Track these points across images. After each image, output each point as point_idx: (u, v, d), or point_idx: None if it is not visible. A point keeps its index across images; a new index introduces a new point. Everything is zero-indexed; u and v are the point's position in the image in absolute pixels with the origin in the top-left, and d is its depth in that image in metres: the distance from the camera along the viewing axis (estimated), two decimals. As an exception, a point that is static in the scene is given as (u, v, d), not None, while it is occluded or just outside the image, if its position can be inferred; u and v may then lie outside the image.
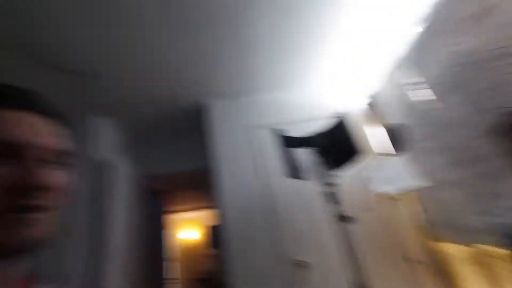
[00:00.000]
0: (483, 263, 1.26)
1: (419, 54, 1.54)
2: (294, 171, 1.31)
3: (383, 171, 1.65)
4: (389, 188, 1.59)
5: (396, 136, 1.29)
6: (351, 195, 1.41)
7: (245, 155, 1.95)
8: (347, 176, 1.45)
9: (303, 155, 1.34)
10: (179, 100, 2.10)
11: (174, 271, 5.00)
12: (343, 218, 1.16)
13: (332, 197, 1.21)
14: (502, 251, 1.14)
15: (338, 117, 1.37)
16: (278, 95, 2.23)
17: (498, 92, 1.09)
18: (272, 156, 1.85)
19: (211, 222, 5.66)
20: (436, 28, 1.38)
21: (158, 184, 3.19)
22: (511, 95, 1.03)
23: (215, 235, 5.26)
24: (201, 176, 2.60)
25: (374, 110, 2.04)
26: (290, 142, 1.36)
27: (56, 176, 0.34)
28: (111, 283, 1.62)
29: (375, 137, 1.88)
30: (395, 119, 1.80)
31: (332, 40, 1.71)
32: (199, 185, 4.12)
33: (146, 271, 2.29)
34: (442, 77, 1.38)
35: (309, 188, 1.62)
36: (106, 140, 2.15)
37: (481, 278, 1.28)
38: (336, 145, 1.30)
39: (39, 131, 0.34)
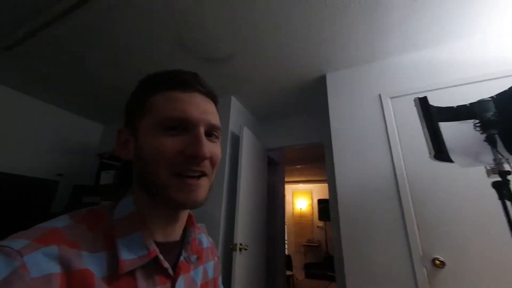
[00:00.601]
0: None
1: None
2: (441, 151, 0.95)
3: None
4: None
5: None
6: None
7: (369, 128, 1.74)
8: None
9: (459, 129, 0.99)
10: (302, 73, 2.07)
11: (287, 234, 5.57)
12: None
13: (505, 191, 0.83)
14: None
15: None
16: (420, 54, 1.77)
17: None
18: (411, 130, 1.59)
19: (322, 195, 5.95)
20: None
21: (278, 156, 3.49)
22: None
23: (324, 208, 5.43)
24: (319, 150, 2.63)
25: None
26: (441, 113, 1.03)
27: (215, 148, 0.40)
28: (239, 229, 1.95)
29: None
30: None
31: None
32: (316, 159, 4.19)
33: (267, 230, 2.65)
34: None
35: (465, 174, 1.30)
36: (236, 116, 2.48)
37: None
38: None
39: (205, 110, 0.40)
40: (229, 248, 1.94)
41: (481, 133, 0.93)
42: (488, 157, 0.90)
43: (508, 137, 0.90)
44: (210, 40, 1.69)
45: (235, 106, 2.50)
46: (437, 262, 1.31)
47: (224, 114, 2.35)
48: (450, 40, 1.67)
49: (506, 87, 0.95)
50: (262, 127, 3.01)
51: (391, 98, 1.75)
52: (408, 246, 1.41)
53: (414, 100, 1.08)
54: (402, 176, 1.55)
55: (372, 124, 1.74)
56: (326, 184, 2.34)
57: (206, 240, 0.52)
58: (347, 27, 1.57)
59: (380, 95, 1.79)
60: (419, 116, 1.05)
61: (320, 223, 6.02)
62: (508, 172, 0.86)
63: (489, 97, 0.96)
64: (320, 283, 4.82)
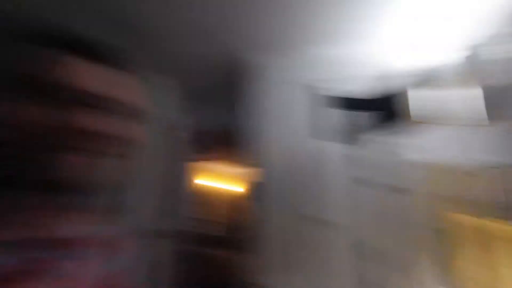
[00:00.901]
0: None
1: None
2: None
3: (464, 140, 1.31)
4: (464, 160, 1.28)
5: (494, 101, 0.93)
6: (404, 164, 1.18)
7: (284, 113, 1.74)
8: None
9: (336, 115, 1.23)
10: (222, 57, 1.88)
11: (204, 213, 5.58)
12: (398, 190, 1.08)
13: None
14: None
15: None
16: (326, 50, 1.72)
17: None
18: (315, 114, 1.63)
19: (247, 177, 5.32)
20: None
21: (200, 138, 3.23)
22: None
23: (251, 189, 4.89)
24: (238, 133, 2.27)
25: (469, 67, 1.53)
26: (335, 100, 1.23)
27: (109, 124, 0.35)
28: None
29: (465, 101, 1.48)
30: (495, 80, 1.42)
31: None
32: (236, 141, 3.98)
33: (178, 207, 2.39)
34: None
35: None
36: (158, 96, 2.25)
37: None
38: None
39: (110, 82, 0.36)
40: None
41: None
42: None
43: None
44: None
45: (160, 86, 2.24)
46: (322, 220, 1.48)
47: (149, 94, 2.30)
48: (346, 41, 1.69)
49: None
50: (188, 108, 2.69)
51: (304, 85, 1.73)
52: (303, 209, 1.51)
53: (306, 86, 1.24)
54: (300, 153, 1.63)
55: (282, 109, 1.75)
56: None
57: None
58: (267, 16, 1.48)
59: (294, 82, 1.76)
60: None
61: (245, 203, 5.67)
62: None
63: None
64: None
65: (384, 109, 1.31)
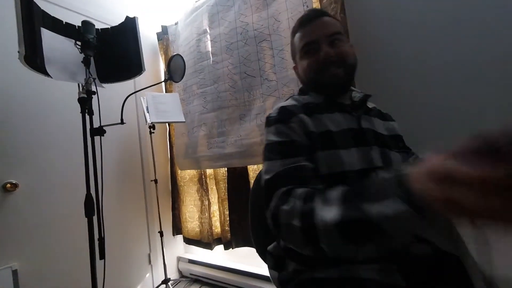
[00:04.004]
0: (201, 180, 1.82)
1: (216, 5, 1.60)
2: (36, 55, 0.90)
3: (154, 102, 1.59)
4: (153, 118, 1.55)
5: (173, 65, 1.14)
6: (108, 108, 1.12)
7: None
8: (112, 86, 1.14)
9: (62, 44, 0.98)
10: None
11: None
12: (94, 130, 1.00)
13: (88, 105, 0.99)
14: (212, 171, 1.75)
15: (126, 20, 1.12)
16: None
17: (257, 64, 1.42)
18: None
19: None
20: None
21: None
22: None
23: None
24: None
25: (163, 42, 2.02)
26: (47, 19, 0.98)
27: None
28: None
29: (158, 63, 2.07)
30: (178, 54, 1.68)
31: None
32: None
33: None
34: (223, 38, 1.56)
35: (51, 92, 1.36)
36: None
37: (197, 188, 1.84)
38: (113, 52, 1.10)
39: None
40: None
41: (80, 53, 1.02)
42: (82, 77, 1.01)
43: (100, 66, 1.08)
44: None
45: None
46: (9, 185, 1.23)
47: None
48: None
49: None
50: None
51: None
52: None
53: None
54: None
55: None
56: None
57: None
58: None
59: None
60: (17, 9, 0.88)
61: None
62: (93, 92, 1.00)
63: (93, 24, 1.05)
64: None
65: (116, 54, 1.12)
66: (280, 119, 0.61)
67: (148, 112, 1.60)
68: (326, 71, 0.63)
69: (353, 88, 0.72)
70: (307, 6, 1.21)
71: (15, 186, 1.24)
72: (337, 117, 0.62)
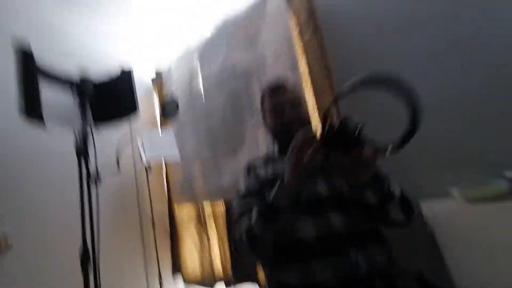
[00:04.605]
0: (199, 218, 1.78)
1: (206, 50, 1.76)
2: (35, 108, 0.94)
3: (150, 138, 1.67)
4: (149, 155, 1.61)
5: (168, 110, 1.29)
6: (105, 154, 1.16)
7: None
8: (107, 133, 1.20)
9: (56, 95, 1.03)
10: None
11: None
12: (90, 178, 1.01)
13: (84, 152, 1.00)
14: (210, 207, 1.71)
15: (122, 74, 1.19)
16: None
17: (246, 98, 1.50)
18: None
19: None
20: (220, 40, 1.66)
21: None
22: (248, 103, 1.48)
23: None
24: None
25: (159, 81, 2.13)
26: (46, 75, 1.03)
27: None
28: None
29: (153, 106, 2.16)
30: (172, 95, 1.89)
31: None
32: None
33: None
34: (213, 77, 1.66)
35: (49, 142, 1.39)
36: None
37: (195, 226, 1.79)
38: (109, 99, 1.15)
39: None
40: None
41: (78, 101, 1.06)
42: (78, 122, 1.03)
43: (96, 110, 1.10)
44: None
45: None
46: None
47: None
48: (75, 10, 1.74)
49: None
50: None
51: None
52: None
53: (15, 47, 0.96)
54: None
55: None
56: None
57: None
58: None
59: None
60: (18, 66, 0.95)
61: None
62: (89, 138, 1.02)
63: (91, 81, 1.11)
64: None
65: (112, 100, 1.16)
66: (245, 172, 0.89)
67: (144, 150, 1.62)
68: (288, 129, 0.80)
69: None
70: (289, 42, 1.31)
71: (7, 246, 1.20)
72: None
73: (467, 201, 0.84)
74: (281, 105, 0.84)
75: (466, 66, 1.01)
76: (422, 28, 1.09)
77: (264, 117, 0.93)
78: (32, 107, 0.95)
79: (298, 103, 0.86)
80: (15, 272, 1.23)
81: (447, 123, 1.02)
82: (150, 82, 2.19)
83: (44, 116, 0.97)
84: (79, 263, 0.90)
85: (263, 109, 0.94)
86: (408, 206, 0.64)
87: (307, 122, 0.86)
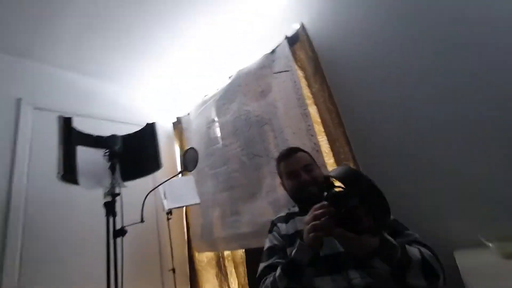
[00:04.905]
0: (219, 264, 1.80)
1: (222, 99, 1.88)
2: (71, 172, 1.06)
3: (171, 188, 1.72)
4: (171, 204, 1.66)
5: (187, 158, 1.32)
6: (129, 205, 1.18)
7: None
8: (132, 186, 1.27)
9: (91, 155, 1.16)
10: None
11: None
12: (116, 232, 1.08)
13: (112, 209, 1.09)
14: (230, 253, 1.75)
15: (146, 126, 1.33)
16: (77, 77, 1.88)
17: (262, 144, 1.57)
18: (48, 150, 1.42)
19: None
20: (235, 89, 1.79)
21: None
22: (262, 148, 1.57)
23: None
24: None
25: (178, 130, 2.31)
26: (81, 138, 1.17)
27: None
28: None
29: (173, 151, 2.32)
30: (190, 143, 2.10)
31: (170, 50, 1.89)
32: None
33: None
34: (230, 124, 1.76)
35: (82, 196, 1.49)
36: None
37: (216, 275, 1.79)
38: (135, 154, 1.26)
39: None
40: None
41: (108, 161, 1.17)
42: (107, 181, 1.13)
43: (124, 167, 1.19)
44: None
45: None
46: None
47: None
48: (107, 79, 2.05)
49: (131, 131, 1.36)
50: None
51: (35, 108, 1.60)
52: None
53: (58, 118, 1.14)
54: (20, 199, 1.37)
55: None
56: None
57: None
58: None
59: (20, 100, 1.55)
60: (59, 134, 1.11)
61: None
62: (117, 194, 1.12)
63: (120, 135, 1.26)
64: None
65: (138, 155, 1.30)
66: (269, 230, 1.00)
67: (165, 198, 1.69)
68: (304, 191, 0.91)
69: None
70: (299, 94, 1.39)
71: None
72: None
73: (504, 256, 0.78)
74: (296, 172, 0.94)
75: (478, 109, 1.01)
76: (427, 75, 1.13)
77: (281, 179, 1.04)
78: (68, 172, 1.08)
79: (311, 167, 0.96)
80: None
81: (484, 170, 0.98)
82: (171, 126, 2.36)
83: (78, 180, 1.09)
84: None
85: (279, 173, 1.04)
86: (431, 271, 0.63)
87: (321, 181, 0.91)
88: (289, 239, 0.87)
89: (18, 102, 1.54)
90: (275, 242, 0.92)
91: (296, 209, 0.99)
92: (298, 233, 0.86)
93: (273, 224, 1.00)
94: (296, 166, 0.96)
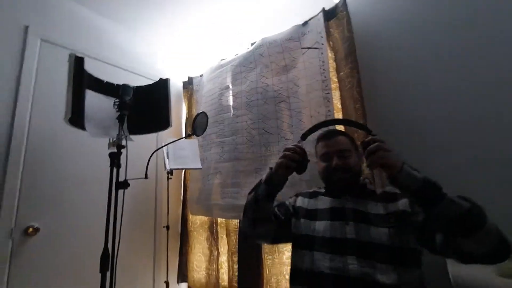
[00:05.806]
0: (211, 228, 1.84)
1: (240, 65, 1.76)
2: (78, 115, 1.02)
3: (175, 149, 1.72)
4: (172, 165, 1.67)
5: (198, 122, 1.25)
6: (133, 160, 1.15)
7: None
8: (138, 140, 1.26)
9: (101, 102, 1.13)
10: None
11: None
12: (119, 183, 1.07)
13: (117, 160, 1.07)
14: (224, 220, 1.77)
15: (160, 81, 1.27)
16: (93, 15, 1.76)
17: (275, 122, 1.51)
18: (52, 86, 1.47)
19: None
20: (255, 59, 1.68)
21: None
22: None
23: None
24: None
25: (188, 91, 2.22)
26: (92, 82, 1.11)
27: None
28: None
29: (178, 114, 2.27)
30: (199, 106, 2.03)
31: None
32: None
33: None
34: (244, 95, 1.68)
35: (86, 143, 1.49)
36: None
37: (207, 238, 1.85)
38: (144, 108, 1.22)
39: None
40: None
41: (116, 111, 1.12)
42: (115, 132, 1.10)
43: (132, 120, 1.17)
44: None
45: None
46: (30, 230, 1.30)
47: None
48: (122, 23, 1.92)
49: (139, 83, 1.29)
50: None
51: (43, 40, 1.50)
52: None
53: (70, 56, 1.06)
54: (22, 130, 1.35)
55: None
56: None
57: None
58: None
59: (27, 28, 1.44)
60: (69, 74, 1.04)
61: None
62: (123, 146, 1.10)
63: (132, 86, 1.19)
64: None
65: (148, 109, 1.26)
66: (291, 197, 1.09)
67: (167, 158, 1.68)
68: (334, 175, 0.90)
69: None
70: (324, 76, 1.31)
71: (36, 230, 1.31)
72: (328, 200, 0.93)
73: (501, 275, 0.79)
74: (330, 154, 0.92)
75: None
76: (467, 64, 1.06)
77: (317, 158, 1.03)
78: (75, 118, 1.03)
79: (347, 154, 0.92)
80: (43, 255, 1.33)
81: (484, 182, 0.98)
82: (181, 86, 2.27)
83: (85, 126, 1.05)
84: (98, 259, 0.96)
85: (316, 153, 1.04)
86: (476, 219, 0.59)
87: (353, 170, 0.90)
88: (306, 212, 0.94)
89: (26, 29, 1.43)
90: (285, 202, 1.04)
91: (323, 190, 1.00)
92: (317, 211, 0.92)
93: (296, 195, 1.06)
94: (331, 149, 0.93)
